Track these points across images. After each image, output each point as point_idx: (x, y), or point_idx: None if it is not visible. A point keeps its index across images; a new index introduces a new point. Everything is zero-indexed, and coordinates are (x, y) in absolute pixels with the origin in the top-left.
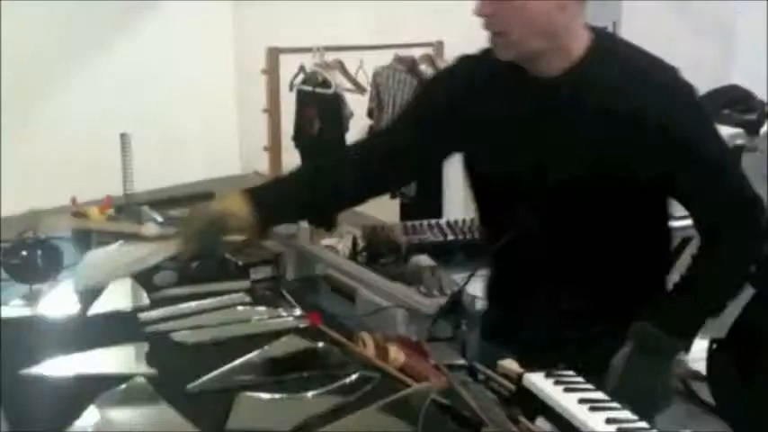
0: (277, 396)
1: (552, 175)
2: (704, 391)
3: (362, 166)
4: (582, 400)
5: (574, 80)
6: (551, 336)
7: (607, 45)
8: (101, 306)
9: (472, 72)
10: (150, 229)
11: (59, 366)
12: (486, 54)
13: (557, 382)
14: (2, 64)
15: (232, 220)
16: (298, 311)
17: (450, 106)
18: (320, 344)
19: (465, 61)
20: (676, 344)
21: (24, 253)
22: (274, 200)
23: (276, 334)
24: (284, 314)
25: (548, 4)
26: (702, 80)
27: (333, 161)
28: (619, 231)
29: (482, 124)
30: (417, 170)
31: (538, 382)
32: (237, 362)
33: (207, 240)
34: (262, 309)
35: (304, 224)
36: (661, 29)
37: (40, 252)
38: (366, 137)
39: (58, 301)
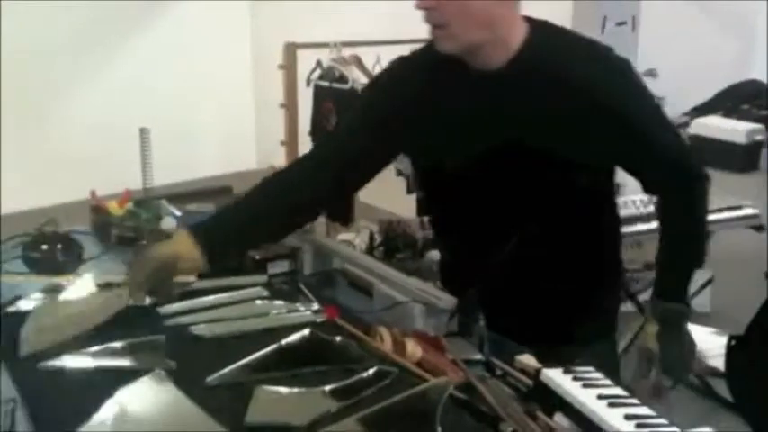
0: (295, 390)
1: (501, 164)
2: (722, 388)
3: (313, 182)
4: (601, 396)
5: (514, 71)
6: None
7: (544, 34)
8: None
9: (412, 72)
10: (168, 223)
11: (79, 359)
12: (424, 53)
13: (575, 378)
14: (24, 59)
15: (182, 262)
16: (315, 306)
17: (393, 109)
18: (338, 338)
19: (403, 62)
20: (689, 308)
21: (45, 246)
22: (223, 238)
23: (294, 328)
24: (302, 308)
25: None
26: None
27: (280, 180)
28: (570, 208)
29: (427, 122)
30: (368, 176)
31: (556, 377)
32: (255, 355)
33: (158, 284)
34: (279, 303)
35: (321, 218)
36: (680, 25)
37: (60, 246)
38: (314, 149)
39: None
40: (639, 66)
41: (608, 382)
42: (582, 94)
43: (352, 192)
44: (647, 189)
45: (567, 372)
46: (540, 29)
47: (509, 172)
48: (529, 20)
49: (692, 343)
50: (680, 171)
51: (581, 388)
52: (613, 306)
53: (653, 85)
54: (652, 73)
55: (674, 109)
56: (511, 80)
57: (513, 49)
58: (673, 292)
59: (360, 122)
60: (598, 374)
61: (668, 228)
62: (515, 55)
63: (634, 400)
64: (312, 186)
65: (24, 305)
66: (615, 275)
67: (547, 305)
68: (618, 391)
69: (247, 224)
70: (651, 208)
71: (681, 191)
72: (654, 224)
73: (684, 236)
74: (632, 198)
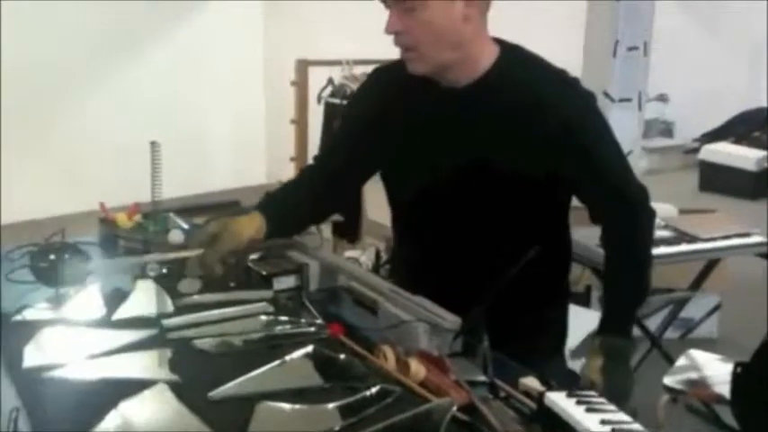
0: (297, 407)
1: (460, 178)
2: (727, 415)
3: (311, 194)
4: (604, 421)
5: (482, 88)
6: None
7: (514, 57)
8: (125, 311)
9: (384, 85)
10: (176, 236)
11: (83, 370)
12: (398, 65)
13: (579, 402)
14: (35, 69)
15: (248, 232)
16: (320, 322)
17: (368, 121)
18: (341, 355)
19: (378, 74)
20: (632, 342)
21: (52, 257)
22: (281, 217)
23: (298, 344)
24: (306, 325)
25: (452, 16)
26: (733, 102)
27: (293, 189)
28: (524, 227)
29: (395, 135)
30: (354, 189)
31: (559, 401)
32: (259, 371)
33: (229, 253)
34: (284, 319)
35: (328, 235)
36: (692, 51)
37: (67, 256)
38: (314, 162)
39: (84, 305)
40: (651, 91)
41: (612, 407)
42: (544, 116)
43: (346, 200)
44: (592, 217)
45: (570, 395)
46: (510, 51)
47: (468, 187)
48: (501, 43)
49: (631, 377)
50: (624, 202)
51: (585, 412)
52: (564, 329)
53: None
54: (663, 98)
55: (684, 134)
56: (477, 98)
57: (482, 68)
58: (615, 326)
59: (342, 135)
60: (602, 399)
61: (610, 260)
62: (483, 74)
63: (638, 427)
64: (311, 198)
65: (30, 315)
66: (565, 297)
67: (511, 322)
68: (622, 416)
69: (291, 212)
70: (659, 233)
71: (623, 222)
72: (661, 248)
73: (625, 268)
74: None
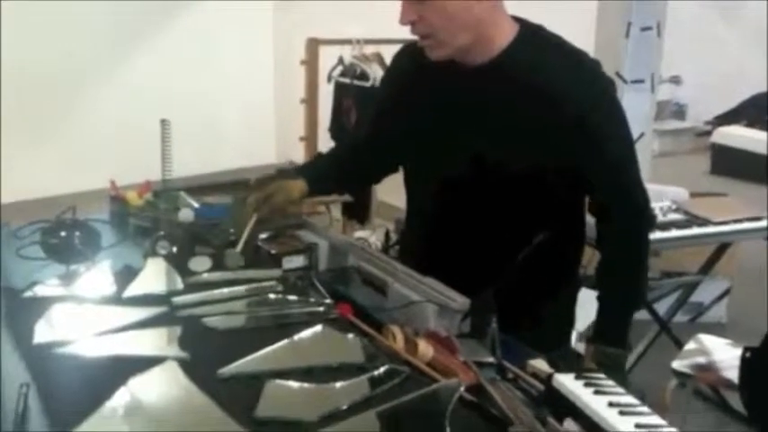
0: (306, 385)
1: (470, 155)
2: (735, 400)
3: (342, 164)
4: (612, 404)
5: (495, 67)
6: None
7: (534, 35)
8: (135, 289)
9: (406, 61)
10: (186, 215)
11: (93, 346)
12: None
13: (587, 384)
14: (49, 52)
15: (293, 192)
16: (328, 302)
17: (389, 99)
18: (350, 335)
19: (401, 51)
20: (627, 352)
21: (63, 233)
22: (318, 181)
23: (306, 323)
24: (315, 304)
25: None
26: (746, 85)
27: (335, 159)
28: (536, 211)
29: (411, 113)
30: (383, 164)
31: (567, 383)
32: (268, 349)
33: (276, 210)
34: (293, 298)
35: (337, 216)
36: (706, 32)
37: (78, 233)
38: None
39: (95, 282)
40: (663, 72)
41: (620, 389)
42: (557, 100)
43: (376, 173)
44: (592, 209)
45: (578, 377)
46: (529, 31)
47: (477, 168)
48: (521, 22)
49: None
50: (630, 202)
51: (592, 394)
52: (572, 318)
53: (676, 92)
54: (676, 80)
55: (696, 117)
56: (489, 77)
57: (498, 48)
58: (610, 335)
59: (372, 112)
60: (610, 381)
61: (605, 262)
62: (498, 54)
63: (645, 409)
64: (343, 168)
65: (41, 291)
66: (575, 286)
67: (521, 307)
68: (630, 399)
69: (330, 175)
70: (670, 216)
71: (625, 221)
72: (672, 232)
73: (621, 271)
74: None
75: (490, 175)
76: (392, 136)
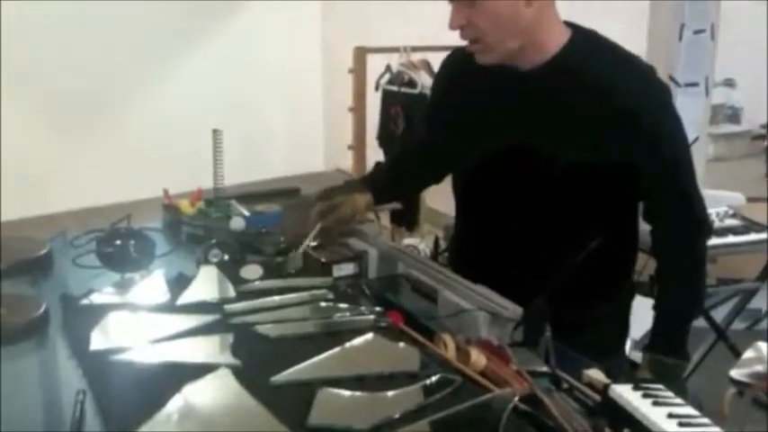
0: (357, 393)
1: (528, 165)
2: None
3: (401, 172)
4: (671, 415)
5: (548, 72)
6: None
7: (586, 42)
8: (189, 296)
9: (456, 65)
10: (237, 223)
11: (147, 354)
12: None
13: (645, 395)
14: (100, 59)
15: (360, 203)
16: (379, 310)
17: (440, 105)
18: (401, 344)
19: (451, 55)
20: (685, 361)
21: (118, 242)
22: (380, 191)
23: (357, 331)
24: (365, 312)
25: (514, 3)
26: None
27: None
28: (588, 217)
29: (462, 118)
30: (440, 169)
31: (625, 393)
32: (319, 357)
33: (344, 222)
34: (343, 306)
35: (386, 223)
36: (760, 34)
37: (133, 242)
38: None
39: (149, 289)
40: (717, 75)
41: (679, 400)
42: (613, 106)
43: (434, 178)
44: (647, 215)
45: (636, 388)
46: (582, 36)
47: (530, 173)
48: (574, 27)
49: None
50: (691, 210)
51: (651, 406)
52: (626, 327)
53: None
54: (730, 83)
55: (751, 120)
56: (541, 82)
57: (550, 52)
58: (666, 343)
59: (427, 119)
60: (669, 392)
61: (664, 271)
62: (550, 58)
63: (706, 420)
64: (402, 175)
65: (96, 299)
66: (630, 293)
67: (574, 315)
68: (689, 410)
69: (391, 185)
70: (727, 222)
71: (681, 227)
72: (729, 238)
73: (679, 280)
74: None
75: (546, 180)
76: (446, 142)
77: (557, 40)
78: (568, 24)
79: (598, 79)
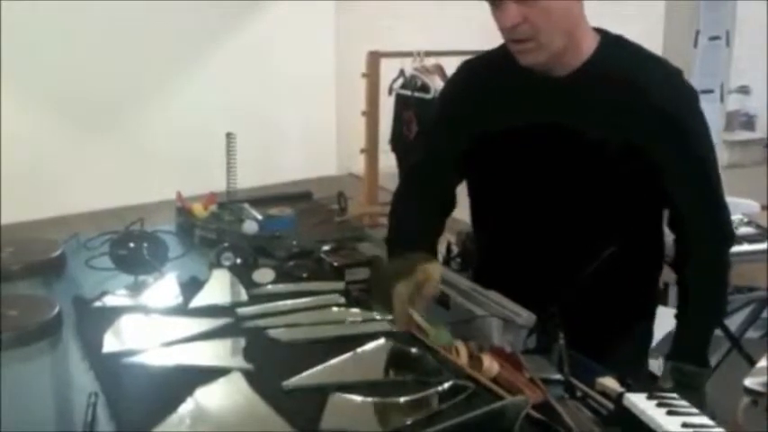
0: (370, 399)
1: (555, 169)
2: None
3: (430, 213)
4: (686, 425)
5: (583, 77)
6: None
7: (617, 46)
8: (201, 300)
9: (475, 77)
10: (250, 227)
11: (160, 356)
12: (486, 57)
13: (660, 404)
14: (116, 62)
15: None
16: (391, 315)
17: (464, 120)
18: (413, 349)
19: (466, 67)
20: (706, 370)
21: (131, 245)
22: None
23: (369, 336)
24: (378, 317)
25: (565, 1)
26: None
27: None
28: (620, 222)
29: (493, 130)
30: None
31: (639, 402)
32: (332, 362)
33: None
34: (356, 311)
35: None
36: None
37: (146, 245)
38: (417, 170)
39: (161, 292)
40: (732, 82)
41: (694, 410)
42: (647, 109)
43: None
44: (672, 223)
45: (651, 397)
46: (612, 40)
47: (562, 177)
48: (601, 32)
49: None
50: (712, 214)
51: (666, 415)
52: (649, 341)
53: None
54: (744, 90)
55: (766, 127)
56: (578, 87)
57: (583, 57)
58: (688, 351)
59: (439, 139)
60: (684, 401)
61: (686, 280)
62: (583, 63)
63: (720, 430)
64: (433, 218)
65: (109, 301)
66: (653, 306)
67: (593, 326)
68: (704, 419)
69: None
70: (742, 230)
71: (705, 235)
72: (743, 246)
73: (703, 289)
74: None
75: (591, 187)
76: (470, 156)
77: (589, 42)
78: (595, 29)
79: (633, 80)
